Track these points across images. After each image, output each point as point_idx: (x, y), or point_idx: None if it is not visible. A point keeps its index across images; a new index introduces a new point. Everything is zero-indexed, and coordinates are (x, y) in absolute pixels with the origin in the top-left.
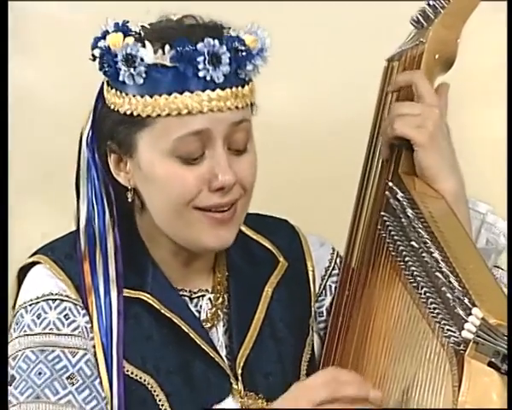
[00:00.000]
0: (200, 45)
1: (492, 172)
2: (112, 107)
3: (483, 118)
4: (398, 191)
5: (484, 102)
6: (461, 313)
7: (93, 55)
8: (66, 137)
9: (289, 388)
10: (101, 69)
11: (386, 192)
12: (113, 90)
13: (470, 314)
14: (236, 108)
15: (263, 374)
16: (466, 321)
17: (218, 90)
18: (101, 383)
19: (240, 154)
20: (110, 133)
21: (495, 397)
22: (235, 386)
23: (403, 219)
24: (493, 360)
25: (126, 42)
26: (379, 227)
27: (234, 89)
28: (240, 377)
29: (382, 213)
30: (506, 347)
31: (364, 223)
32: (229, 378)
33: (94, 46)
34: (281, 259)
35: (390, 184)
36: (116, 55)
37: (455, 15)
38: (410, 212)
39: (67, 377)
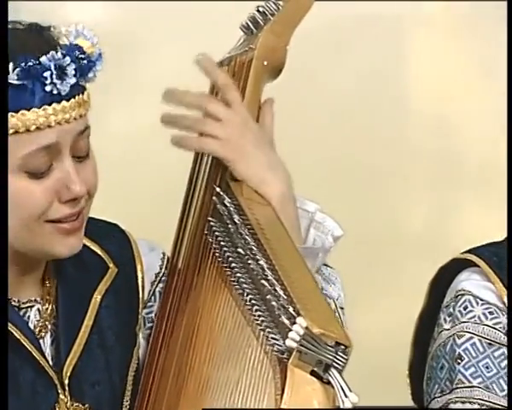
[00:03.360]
0: (44, 59)
1: None
2: None
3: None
4: (226, 197)
5: None
6: (285, 321)
7: None
8: None
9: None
10: None
11: (214, 198)
12: None
13: (294, 323)
14: (80, 116)
15: (90, 383)
16: (290, 330)
17: (63, 102)
18: None
19: (82, 160)
20: None
21: (317, 406)
22: (61, 396)
23: (230, 226)
24: (316, 369)
25: None
26: (206, 232)
27: (77, 98)
28: (67, 387)
29: (209, 219)
30: (329, 356)
31: (191, 227)
32: (56, 388)
33: None
34: (110, 265)
35: (217, 189)
36: None
37: (284, 23)
38: (236, 218)
39: None
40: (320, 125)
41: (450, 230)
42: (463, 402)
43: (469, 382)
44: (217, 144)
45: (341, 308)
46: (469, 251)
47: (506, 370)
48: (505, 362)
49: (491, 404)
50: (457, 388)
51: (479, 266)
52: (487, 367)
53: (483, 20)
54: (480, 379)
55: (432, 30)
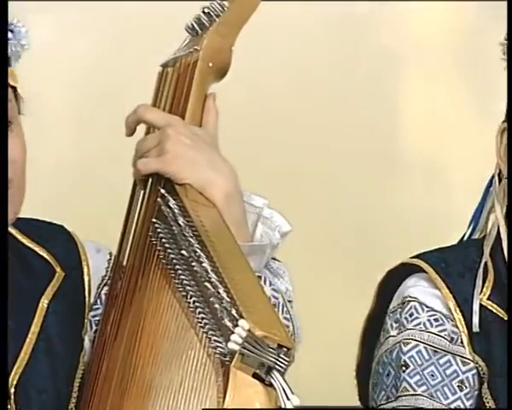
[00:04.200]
0: None
1: None
2: None
3: None
4: (170, 199)
5: None
6: (228, 324)
7: None
8: None
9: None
10: None
11: (158, 199)
12: None
13: (237, 326)
14: None
15: (37, 391)
16: (233, 332)
17: None
18: None
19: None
20: None
21: (258, 407)
22: (8, 405)
23: (174, 227)
24: (258, 371)
25: None
26: (150, 234)
27: None
28: (12, 397)
29: (154, 221)
30: (271, 359)
31: (136, 229)
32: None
33: None
34: (57, 269)
35: (162, 190)
36: None
37: (230, 24)
38: (181, 220)
39: None
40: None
41: None
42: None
43: (414, 390)
44: (155, 162)
45: (289, 301)
46: (418, 256)
47: (451, 377)
48: (450, 369)
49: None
50: (402, 395)
51: (426, 272)
52: (432, 375)
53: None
54: (424, 387)
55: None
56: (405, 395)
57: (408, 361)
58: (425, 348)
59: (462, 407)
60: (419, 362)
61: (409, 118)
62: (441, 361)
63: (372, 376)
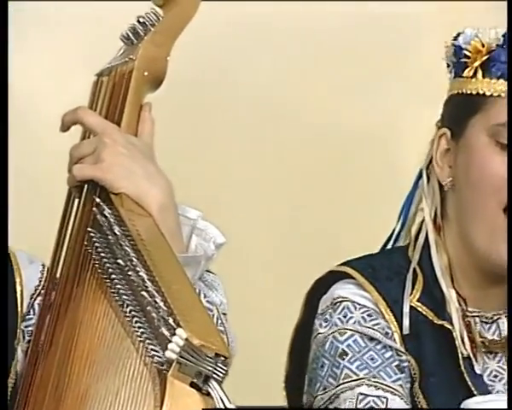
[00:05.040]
0: None
1: None
2: None
3: None
4: (106, 208)
5: None
6: (165, 333)
7: None
8: None
9: None
10: None
11: (94, 208)
12: None
13: (174, 335)
14: None
15: None
16: (170, 341)
17: None
18: None
19: None
20: None
21: None
22: None
23: (110, 237)
24: (195, 380)
25: None
26: (85, 243)
27: None
28: None
29: (89, 230)
30: (209, 368)
31: (71, 238)
32: None
33: None
34: None
35: (97, 199)
36: None
37: (165, 34)
38: (117, 229)
39: None
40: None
41: None
42: (352, 388)
43: (356, 375)
44: (90, 170)
45: (224, 314)
46: (344, 263)
47: (390, 360)
48: (388, 354)
49: (381, 385)
50: (344, 382)
51: (354, 278)
52: (372, 359)
53: None
54: (366, 371)
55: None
56: (348, 381)
57: (346, 349)
58: (361, 337)
59: (404, 387)
60: (357, 349)
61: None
62: (378, 347)
63: (307, 377)
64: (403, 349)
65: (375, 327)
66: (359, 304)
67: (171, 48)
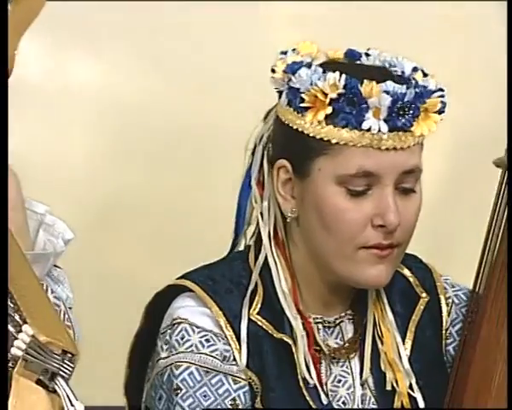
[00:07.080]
0: None
1: None
2: None
3: None
4: None
5: None
6: (11, 329)
7: None
8: None
9: None
10: None
11: None
12: None
13: (20, 331)
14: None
15: None
16: (16, 338)
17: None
18: None
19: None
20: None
21: None
22: None
23: None
24: (41, 377)
25: None
26: None
27: None
28: None
29: None
30: (55, 365)
31: None
32: None
33: None
34: None
35: None
36: None
37: (12, 28)
38: None
39: None
40: None
41: None
42: None
43: None
44: None
45: (70, 308)
46: (184, 276)
47: (224, 396)
48: (222, 388)
49: None
50: None
51: (194, 291)
52: (205, 396)
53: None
54: (198, 409)
55: None
56: None
57: (180, 384)
58: (197, 369)
59: None
60: (191, 384)
61: None
62: (213, 381)
63: (145, 398)
64: (242, 371)
65: (213, 354)
66: (198, 327)
67: (18, 42)
